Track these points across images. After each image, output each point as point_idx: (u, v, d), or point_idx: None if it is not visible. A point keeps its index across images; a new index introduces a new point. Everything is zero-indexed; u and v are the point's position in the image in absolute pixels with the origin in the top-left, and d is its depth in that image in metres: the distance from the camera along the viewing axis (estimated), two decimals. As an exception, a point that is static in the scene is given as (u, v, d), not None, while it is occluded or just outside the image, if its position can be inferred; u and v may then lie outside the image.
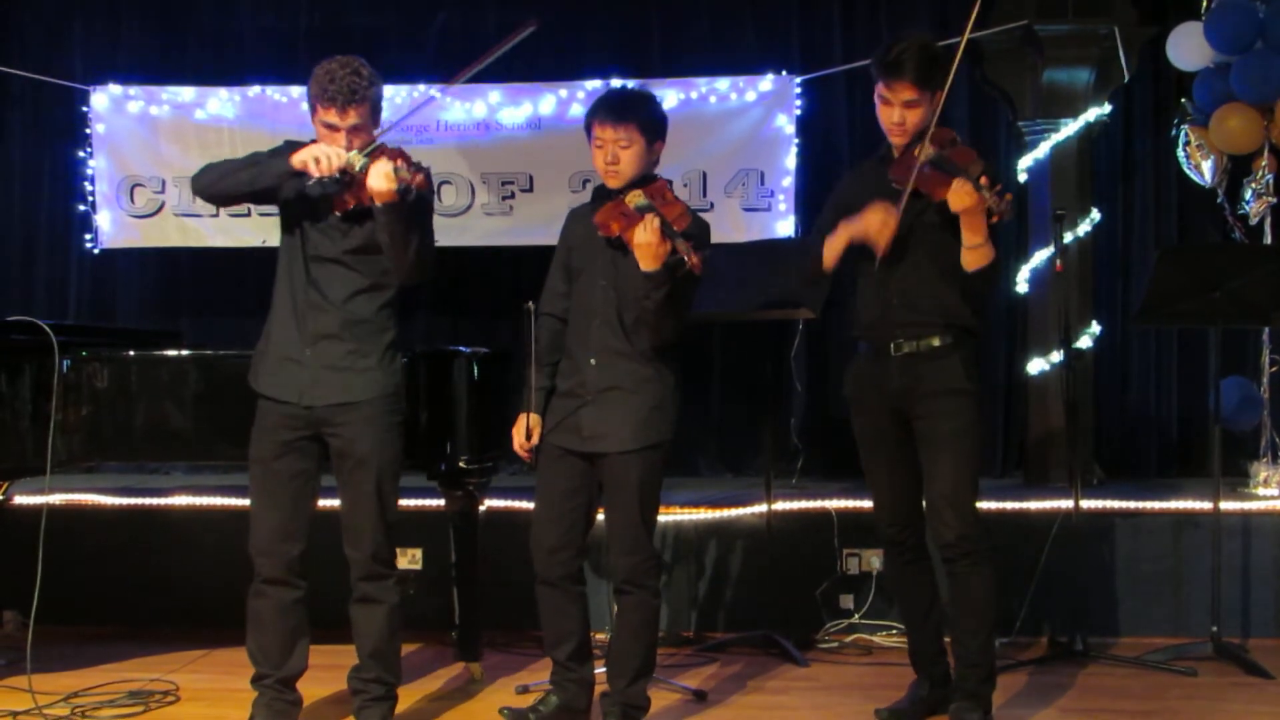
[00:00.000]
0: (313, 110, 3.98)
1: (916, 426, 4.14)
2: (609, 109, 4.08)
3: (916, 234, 4.10)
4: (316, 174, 3.86)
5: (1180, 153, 6.52)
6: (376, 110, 4.00)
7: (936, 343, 4.11)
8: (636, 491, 4.04)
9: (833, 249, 4.18)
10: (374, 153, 3.88)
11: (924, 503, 4.20)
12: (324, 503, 4.11)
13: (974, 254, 4.00)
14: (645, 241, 3.87)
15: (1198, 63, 6.41)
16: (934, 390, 4.09)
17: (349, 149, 3.90)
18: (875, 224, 4.04)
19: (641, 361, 4.08)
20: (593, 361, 4.11)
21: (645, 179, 4.08)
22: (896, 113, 4.10)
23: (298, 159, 3.87)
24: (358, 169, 3.87)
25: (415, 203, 3.94)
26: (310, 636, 4.15)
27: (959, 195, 3.90)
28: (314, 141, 3.95)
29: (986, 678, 4.13)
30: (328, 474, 4.12)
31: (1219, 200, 6.56)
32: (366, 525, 4.02)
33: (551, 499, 4.17)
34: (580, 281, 4.15)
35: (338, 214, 3.97)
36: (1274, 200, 6.34)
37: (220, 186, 4.03)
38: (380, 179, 3.80)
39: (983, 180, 3.89)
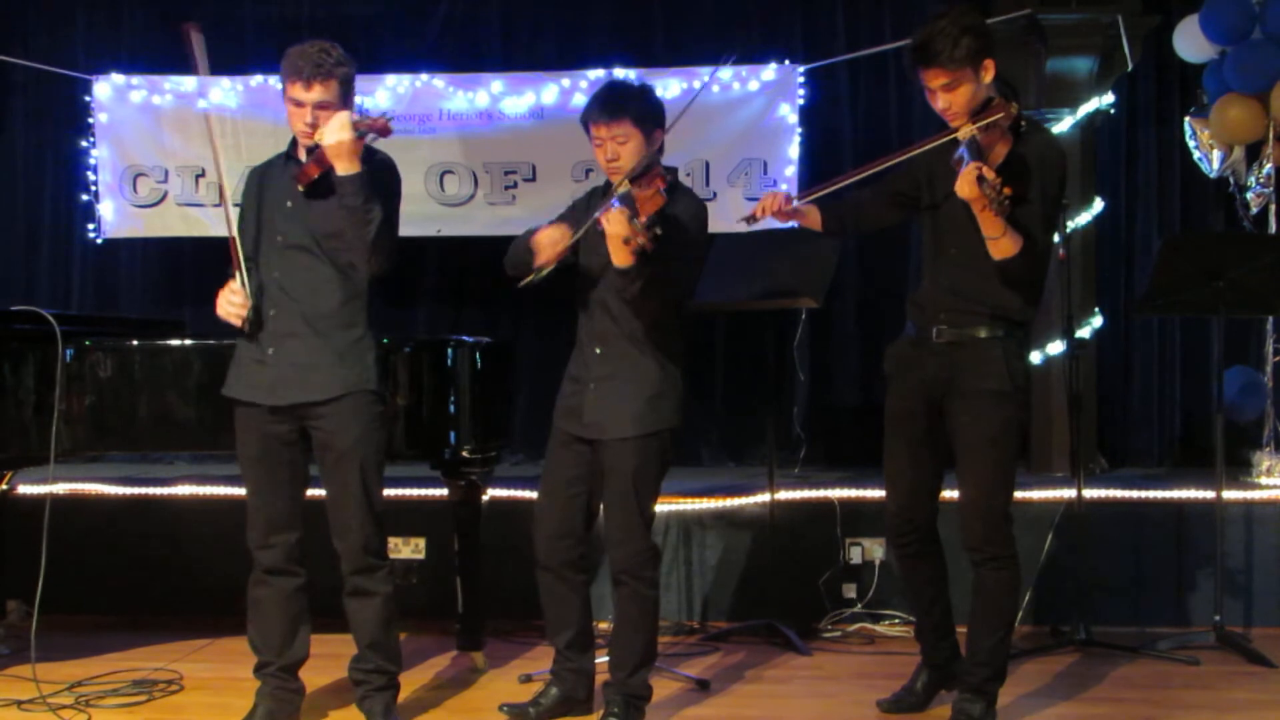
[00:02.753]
0: (284, 91, 3.99)
1: (952, 424, 4.03)
2: (601, 107, 4.07)
3: (969, 210, 3.90)
4: (244, 326, 4.00)
5: (1191, 142, 6.51)
6: (346, 91, 3.97)
7: (981, 334, 3.98)
8: (631, 480, 4.04)
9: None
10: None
11: (953, 500, 4.12)
12: (318, 493, 4.12)
13: (994, 245, 3.83)
14: (611, 234, 3.83)
15: (1204, 54, 6.41)
16: (974, 390, 3.97)
17: (315, 125, 3.91)
18: (765, 195, 4.19)
19: (643, 350, 4.08)
20: (598, 350, 4.12)
21: (647, 168, 4.07)
22: (940, 99, 3.92)
23: (221, 317, 4.06)
24: (326, 141, 3.87)
25: (379, 176, 3.94)
26: (311, 624, 4.15)
27: (960, 183, 3.72)
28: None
29: (994, 676, 4.09)
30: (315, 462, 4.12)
31: (1230, 189, 6.55)
32: (354, 518, 4.01)
33: (554, 485, 4.18)
34: (584, 269, 4.16)
35: (301, 188, 3.95)
36: (1269, 190, 6.33)
37: None
38: (334, 129, 3.80)
39: (986, 172, 3.68)
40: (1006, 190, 3.68)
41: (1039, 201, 3.91)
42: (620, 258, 3.85)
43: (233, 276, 4.02)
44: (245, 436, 4.06)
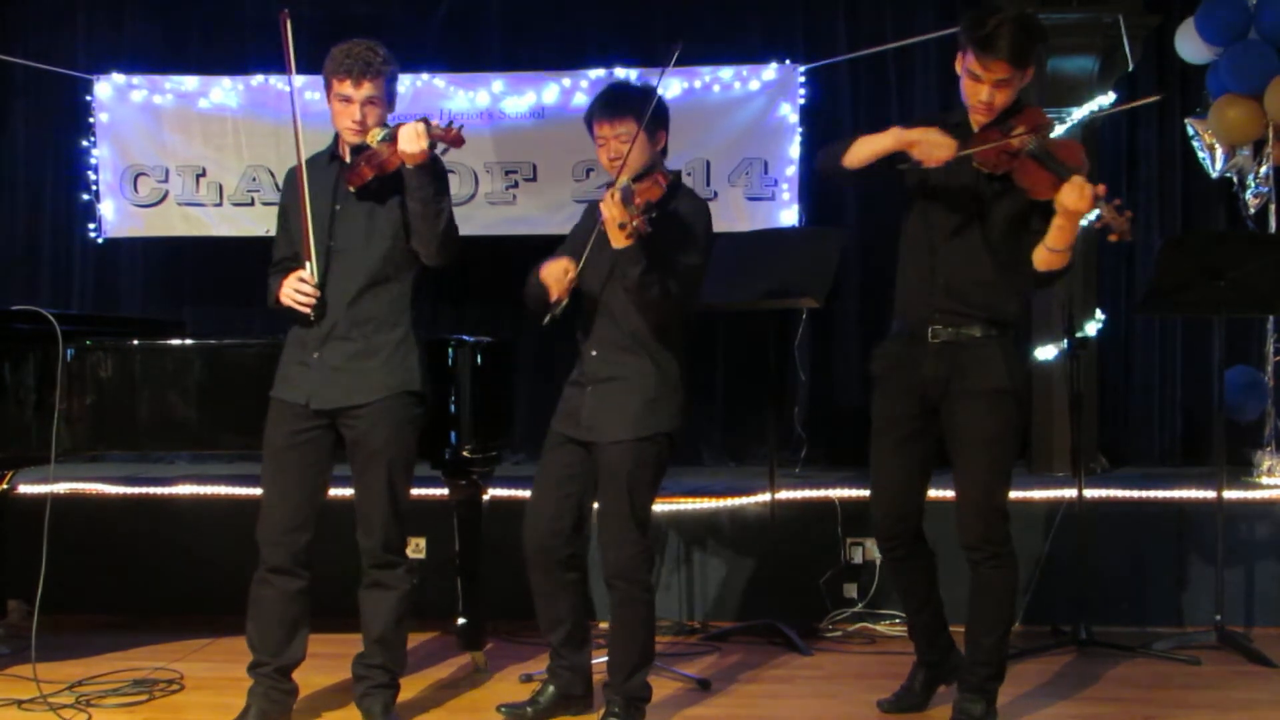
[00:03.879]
0: (328, 89, 4.02)
1: (949, 423, 4.00)
2: (605, 106, 4.09)
3: (983, 219, 3.91)
4: (306, 309, 3.97)
5: (1194, 142, 6.51)
6: (391, 92, 4.03)
7: (978, 333, 3.95)
8: (625, 483, 4.03)
9: (870, 147, 3.87)
10: (395, 127, 3.91)
11: (942, 499, 4.11)
12: (330, 492, 4.12)
13: (1053, 257, 3.79)
14: (608, 217, 3.85)
15: (1206, 55, 6.41)
16: (973, 390, 3.94)
17: (363, 123, 3.95)
18: (935, 143, 3.76)
19: (640, 353, 4.07)
20: (594, 353, 4.13)
21: (649, 169, 4.07)
22: (985, 91, 3.83)
23: (283, 303, 4.02)
24: (378, 142, 3.91)
25: (439, 168, 3.97)
26: (310, 628, 4.16)
27: (1075, 198, 3.63)
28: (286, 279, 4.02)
29: (995, 675, 4.08)
30: (341, 463, 4.13)
31: (1234, 189, 6.54)
32: (378, 515, 4.05)
33: (547, 485, 4.19)
34: (585, 273, 4.15)
35: (353, 189, 3.98)
36: (1267, 190, 6.33)
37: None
38: (412, 139, 3.83)
39: (1100, 189, 3.63)
40: (1128, 214, 3.63)
41: None
42: (616, 240, 3.86)
43: (302, 265, 4.00)
44: (275, 429, 4.07)
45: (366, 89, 3.94)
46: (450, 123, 3.89)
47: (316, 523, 4.09)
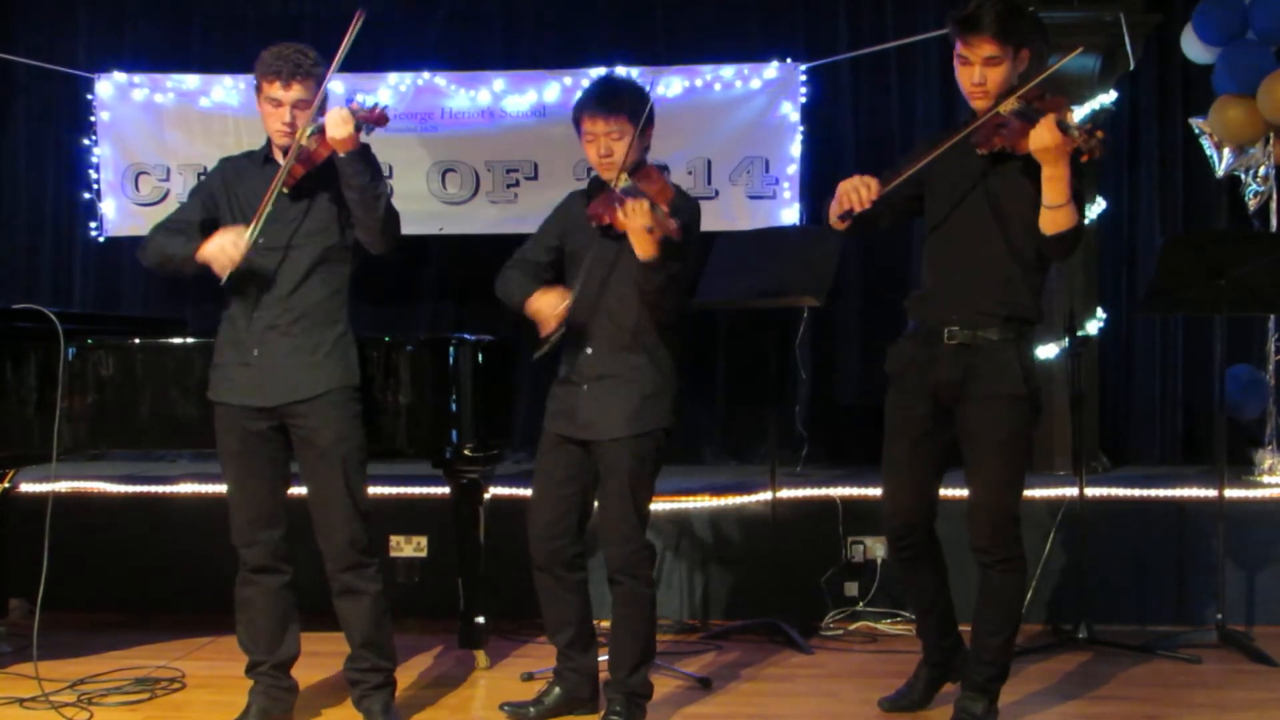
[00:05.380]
0: (258, 92, 3.99)
1: (963, 427, 3.98)
2: (598, 102, 4.05)
3: (990, 202, 3.89)
4: (223, 274, 3.89)
5: (1202, 140, 6.50)
6: (319, 90, 3.98)
7: (994, 336, 3.92)
8: (626, 479, 4.03)
9: (831, 210, 3.97)
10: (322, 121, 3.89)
11: (952, 498, 4.09)
12: (304, 491, 4.11)
13: (1055, 215, 3.74)
14: (638, 225, 3.79)
15: (1209, 55, 6.40)
16: (989, 393, 3.91)
17: (293, 125, 3.93)
18: (853, 188, 3.84)
19: (637, 350, 4.07)
20: (589, 350, 4.11)
21: (637, 165, 4.06)
22: (976, 72, 3.86)
23: (202, 255, 3.93)
24: (307, 137, 3.89)
25: (370, 155, 3.94)
26: (300, 622, 4.16)
27: (1041, 133, 3.63)
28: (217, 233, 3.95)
29: (998, 675, 4.07)
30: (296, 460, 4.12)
31: (1240, 189, 6.54)
32: (339, 517, 4.02)
33: (547, 486, 4.18)
34: (578, 269, 4.14)
35: (286, 190, 3.95)
36: (1264, 189, 6.32)
37: (164, 269, 4.11)
38: (338, 124, 3.80)
39: (1069, 117, 3.63)
40: (1099, 134, 3.61)
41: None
42: (645, 249, 3.83)
43: (246, 225, 3.92)
44: (225, 433, 4.06)
45: (296, 91, 3.92)
46: (376, 105, 3.88)
47: (288, 517, 4.09)
